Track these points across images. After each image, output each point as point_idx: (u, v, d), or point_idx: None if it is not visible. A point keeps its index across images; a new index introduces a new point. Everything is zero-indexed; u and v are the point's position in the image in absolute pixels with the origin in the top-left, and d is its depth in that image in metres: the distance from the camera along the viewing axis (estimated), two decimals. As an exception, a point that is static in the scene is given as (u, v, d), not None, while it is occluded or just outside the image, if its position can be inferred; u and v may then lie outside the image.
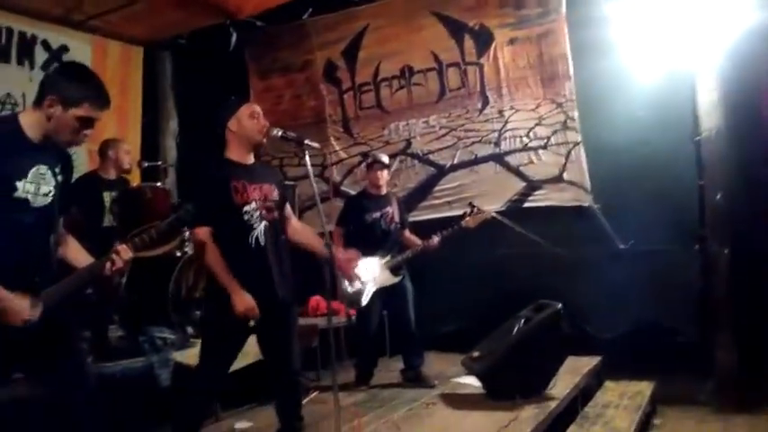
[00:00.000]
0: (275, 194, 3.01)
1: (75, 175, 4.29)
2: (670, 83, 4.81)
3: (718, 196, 4.62)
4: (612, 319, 5.00)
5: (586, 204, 5.16)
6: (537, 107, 5.52)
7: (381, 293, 4.50)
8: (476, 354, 4.16)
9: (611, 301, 4.92)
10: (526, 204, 5.49)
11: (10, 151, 2.19)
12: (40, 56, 5.62)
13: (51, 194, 2.30)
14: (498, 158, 5.68)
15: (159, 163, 5.37)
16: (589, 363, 4.71)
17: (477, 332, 4.43)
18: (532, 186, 5.50)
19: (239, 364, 3.64)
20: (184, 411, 2.94)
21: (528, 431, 3.27)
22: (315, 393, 4.25)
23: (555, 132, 5.40)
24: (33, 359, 2.30)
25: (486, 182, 5.69)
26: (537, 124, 5.52)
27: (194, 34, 6.50)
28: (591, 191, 5.17)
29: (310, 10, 6.42)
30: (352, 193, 5.91)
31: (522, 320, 4.08)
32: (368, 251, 4.47)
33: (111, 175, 4.35)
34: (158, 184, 4.57)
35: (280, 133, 2.98)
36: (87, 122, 2.28)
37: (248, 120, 2.95)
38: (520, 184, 5.55)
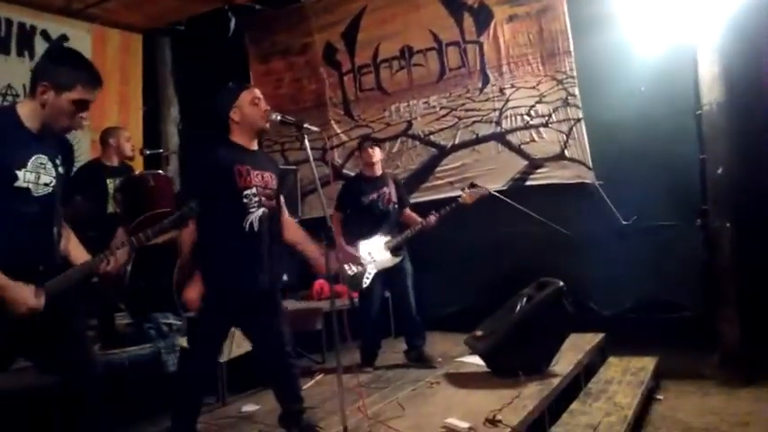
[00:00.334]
0: (274, 183, 3.03)
1: (78, 164, 4.39)
2: (671, 57, 4.78)
3: (720, 170, 4.60)
4: (616, 296, 5.02)
5: (588, 181, 5.15)
6: (537, 84, 5.49)
7: (382, 275, 4.53)
8: (479, 333, 4.19)
9: (615, 278, 4.93)
10: (528, 183, 5.48)
11: (9, 141, 2.21)
12: (40, 46, 5.63)
13: (52, 185, 2.32)
14: (500, 137, 5.67)
15: (161, 150, 5.41)
16: (592, 339, 4.74)
17: (480, 312, 4.45)
18: (534, 164, 5.48)
19: (245, 347, 3.70)
20: (180, 395, 2.97)
21: (531, 407, 3.30)
22: (320, 376, 4.31)
23: (556, 109, 5.38)
24: (40, 348, 2.34)
25: (488, 161, 5.68)
26: (538, 102, 5.50)
27: (193, 20, 6.48)
28: (593, 167, 5.15)
29: (308, -8, 6.40)
30: (353, 175, 5.94)
31: (525, 299, 4.11)
32: (367, 233, 4.51)
33: (114, 162, 4.36)
34: (160, 171, 4.59)
35: (279, 117, 2.98)
36: (82, 105, 2.29)
37: (250, 107, 2.94)
38: (522, 163, 5.54)
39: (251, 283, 2.89)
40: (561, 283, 3.99)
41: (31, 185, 2.24)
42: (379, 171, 4.71)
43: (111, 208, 4.17)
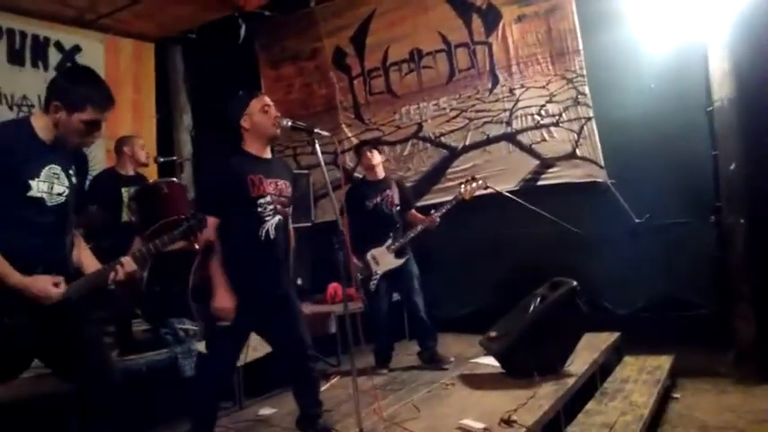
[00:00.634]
0: (289, 191, 3.06)
1: (93, 173, 4.44)
2: (681, 54, 4.76)
3: (733, 166, 4.57)
4: (630, 295, 4.99)
5: (600, 180, 5.13)
6: (547, 84, 5.48)
7: (388, 277, 4.55)
8: (493, 333, 4.20)
9: (628, 277, 4.92)
10: (540, 182, 5.47)
11: (22, 152, 2.25)
12: (54, 57, 5.71)
13: (65, 195, 2.36)
14: (510, 138, 5.66)
15: (175, 158, 5.45)
16: (608, 339, 4.73)
17: (494, 312, 4.46)
18: (546, 164, 5.47)
19: (262, 351, 3.74)
20: (198, 399, 3.01)
21: (546, 407, 3.30)
22: (336, 378, 4.33)
23: (566, 109, 5.36)
24: (56, 354, 2.39)
25: (499, 161, 5.68)
26: (548, 101, 5.49)
27: (204, 28, 6.54)
28: (604, 166, 5.13)
29: (317, -3, 6.43)
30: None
31: (538, 299, 4.11)
32: (374, 237, 4.52)
33: (129, 170, 4.41)
34: (174, 179, 4.64)
35: (290, 123, 3.00)
36: (93, 125, 2.33)
37: (260, 114, 2.96)
38: (533, 163, 5.53)
39: (269, 290, 2.92)
40: (575, 283, 3.99)
41: (44, 195, 2.29)
42: (381, 174, 4.73)
43: (125, 217, 4.22)
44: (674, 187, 4.69)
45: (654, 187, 4.74)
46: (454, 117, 5.97)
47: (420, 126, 6.14)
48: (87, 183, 3.87)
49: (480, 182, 4.68)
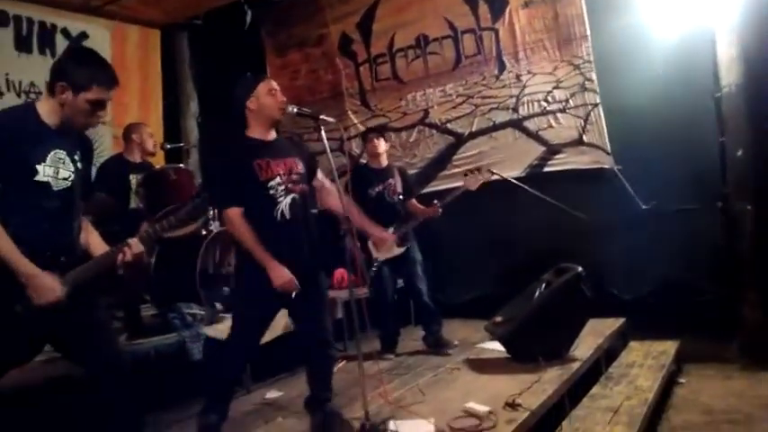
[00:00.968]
0: (300, 167, 3.03)
1: (102, 160, 4.48)
2: (688, 39, 4.72)
3: (740, 152, 4.55)
4: (637, 281, 4.99)
5: (607, 166, 5.12)
6: (554, 70, 5.46)
7: (391, 264, 4.57)
8: (498, 319, 4.23)
9: (635, 263, 4.92)
10: (546, 169, 5.47)
11: (27, 137, 2.27)
12: (61, 44, 5.73)
13: (71, 179, 2.38)
14: (517, 124, 5.65)
15: (182, 144, 5.49)
16: (613, 324, 4.74)
17: (499, 298, 4.48)
18: (552, 150, 5.46)
19: (269, 336, 3.77)
20: (218, 379, 3.03)
21: (551, 391, 3.33)
22: (342, 363, 4.36)
23: (573, 95, 5.34)
24: (66, 339, 2.42)
25: (506, 148, 5.67)
26: (555, 87, 5.46)
27: (210, 14, 6.55)
28: (611, 152, 5.12)
29: (323, -17, 6.42)
30: (372, 165, 5.97)
31: (544, 284, 4.13)
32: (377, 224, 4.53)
33: (137, 157, 4.44)
34: (181, 165, 4.67)
35: (295, 110, 3.00)
36: (99, 104, 2.34)
37: (266, 97, 2.97)
38: (539, 149, 5.52)
39: (295, 269, 2.89)
40: (580, 269, 4.00)
41: (50, 179, 2.30)
42: (384, 162, 4.75)
43: (133, 203, 4.26)
44: (681, 173, 4.67)
45: (661, 173, 4.72)
46: (460, 103, 5.96)
47: (426, 112, 6.14)
48: (95, 169, 3.92)
49: (486, 172, 4.68)
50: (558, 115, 5.43)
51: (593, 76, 5.21)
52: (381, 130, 4.92)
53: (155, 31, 6.58)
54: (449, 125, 6.01)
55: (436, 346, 4.59)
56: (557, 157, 5.44)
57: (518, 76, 5.65)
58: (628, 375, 4.01)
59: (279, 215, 2.90)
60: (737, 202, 4.60)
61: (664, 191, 4.81)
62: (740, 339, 4.55)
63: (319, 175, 3.21)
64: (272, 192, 2.90)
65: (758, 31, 4.45)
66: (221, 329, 3.93)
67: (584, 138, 5.28)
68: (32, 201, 2.28)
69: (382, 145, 4.72)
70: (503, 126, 5.71)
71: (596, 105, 5.21)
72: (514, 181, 5.11)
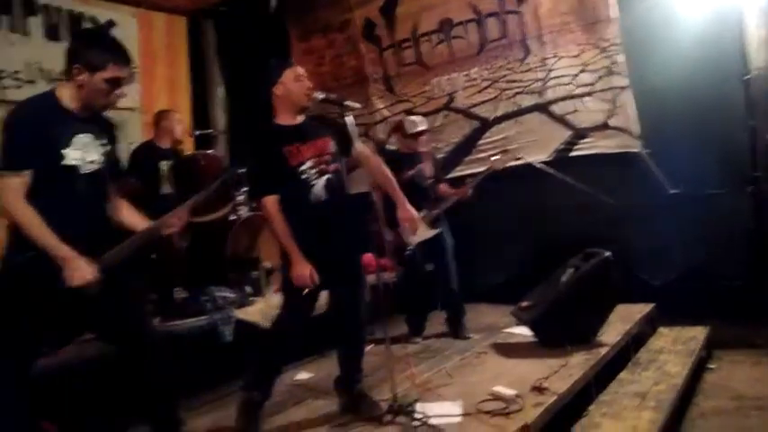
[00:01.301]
0: (331, 147, 3.04)
1: (133, 146, 4.56)
2: (717, 20, 4.62)
3: (770, 136, 4.48)
4: (665, 266, 4.94)
5: (635, 150, 5.07)
6: (580, 53, 5.38)
7: (422, 247, 4.57)
8: (525, 303, 4.23)
9: (664, 248, 4.87)
10: (573, 153, 5.41)
11: (52, 122, 2.33)
12: (90, 32, 5.80)
13: (98, 162, 2.44)
14: (543, 108, 5.60)
15: (210, 131, 5.54)
16: (642, 310, 4.71)
17: (527, 283, 4.48)
18: (579, 134, 5.41)
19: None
20: (264, 360, 3.07)
21: (578, 376, 3.33)
22: (370, 346, 4.40)
23: (600, 78, 5.27)
24: (101, 319, 2.48)
25: (531, 132, 5.63)
26: (581, 71, 5.40)
27: (235, 0, 6.56)
28: (639, 136, 5.07)
29: (347, -32, 6.40)
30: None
31: (571, 269, 4.11)
32: None
33: (166, 144, 4.51)
34: (210, 151, 4.73)
35: (321, 96, 3.02)
36: (115, 83, 2.40)
37: (293, 83, 2.98)
38: (566, 133, 5.47)
39: (330, 252, 2.92)
40: (608, 254, 3.98)
41: (78, 163, 2.36)
42: (419, 147, 4.74)
43: (164, 189, 4.33)
44: (710, 157, 4.60)
45: (689, 157, 4.65)
46: (485, 88, 5.92)
47: (451, 97, 6.11)
48: (126, 156, 3.99)
49: (512, 154, 4.66)
50: (585, 99, 5.37)
51: (621, 59, 5.14)
52: (427, 130, 4.80)
53: (181, 17, 6.62)
54: (474, 110, 5.98)
55: (455, 332, 4.61)
56: (583, 141, 5.39)
57: (543, 60, 5.59)
58: (656, 361, 4.00)
59: (314, 198, 2.92)
60: (767, 186, 4.52)
61: (692, 175, 4.74)
62: (770, 324, 4.51)
63: (359, 145, 3.17)
64: (304, 176, 2.91)
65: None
66: (251, 312, 4.01)
67: (611, 121, 5.22)
68: (62, 185, 2.34)
69: (423, 141, 4.71)
70: (528, 110, 5.66)
71: (624, 88, 5.14)
72: (540, 166, 5.07)
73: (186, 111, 6.42)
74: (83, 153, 2.38)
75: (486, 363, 3.83)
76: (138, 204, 2.75)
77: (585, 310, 3.91)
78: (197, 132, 5.09)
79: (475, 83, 5.98)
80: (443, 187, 4.76)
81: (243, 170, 3.36)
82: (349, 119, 3.02)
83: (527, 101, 5.67)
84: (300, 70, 3.06)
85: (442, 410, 2.94)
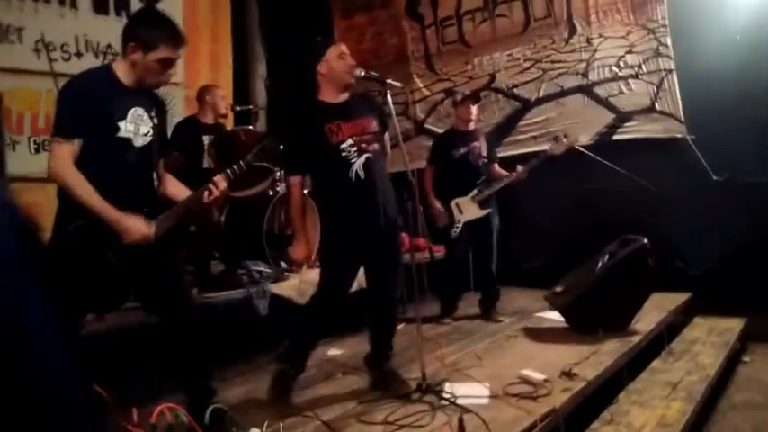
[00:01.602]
0: (373, 126, 3.05)
1: (176, 121, 4.65)
2: (767, 3, 4.46)
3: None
4: (705, 255, 4.86)
5: (679, 135, 4.96)
6: (627, 34, 5.28)
7: (468, 227, 4.58)
8: (559, 289, 4.21)
9: (704, 236, 4.78)
10: (615, 137, 5.33)
11: (109, 95, 2.41)
12: (136, 6, 5.88)
13: (150, 135, 2.52)
14: (586, 90, 5.51)
15: (250, 107, 5.60)
16: (677, 299, 4.65)
17: (561, 268, 4.46)
18: (622, 118, 5.32)
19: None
20: (300, 335, 3.14)
21: (608, 363, 3.32)
22: (401, 325, 4.45)
23: (646, 60, 5.16)
24: (147, 287, 2.57)
25: (573, 114, 5.55)
26: (627, 52, 5.29)
27: (278, -24, 6.58)
28: (684, 121, 4.95)
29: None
30: (436, 130, 5.96)
31: (607, 255, 4.07)
32: (459, 186, 4.55)
33: (209, 119, 4.58)
34: (251, 127, 4.80)
35: (363, 73, 3.03)
36: (167, 63, 2.47)
37: (336, 61, 3.00)
38: (609, 116, 5.38)
39: (368, 230, 2.97)
40: (645, 241, 3.93)
41: (131, 135, 2.45)
42: (472, 126, 4.71)
43: (205, 163, 4.42)
44: (756, 145, 4.47)
45: (735, 144, 4.54)
46: (528, 68, 5.85)
47: (493, 77, 6.05)
48: (169, 129, 4.08)
49: (572, 140, 4.58)
50: (630, 81, 5.27)
51: (668, 41, 5.01)
52: (476, 98, 4.77)
53: (225, -7, 6.66)
54: (515, 90, 5.92)
55: (487, 314, 4.63)
56: (627, 124, 5.30)
57: (589, 40, 5.49)
58: (690, 351, 3.95)
59: (354, 176, 2.94)
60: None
61: (737, 162, 4.63)
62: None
63: (386, 137, 3.22)
64: (344, 154, 2.93)
65: None
66: (286, 288, 4.09)
67: (657, 105, 5.12)
68: (115, 156, 2.43)
69: (474, 112, 4.67)
70: (571, 92, 5.58)
71: (670, 72, 5.02)
72: (592, 155, 4.98)
73: (228, 86, 6.49)
74: (136, 126, 2.46)
75: (516, 346, 3.84)
76: (180, 178, 2.83)
77: (619, 297, 3.87)
78: (238, 108, 5.15)
79: (517, 63, 5.91)
80: (496, 168, 4.73)
81: (281, 146, 3.41)
82: (389, 121, 3.05)
83: (570, 82, 5.58)
84: (344, 48, 3.07)
85: (469, 391, 2.97)
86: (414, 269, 3.06)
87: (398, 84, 3.17)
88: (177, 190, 2.70)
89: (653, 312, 4.20)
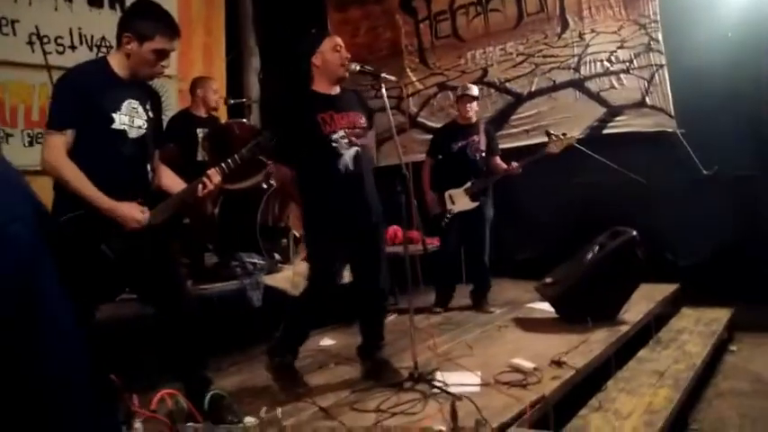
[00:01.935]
0: (363, 121, 3.10)
1: (169, 113, 4.65)
2: (759, 3, 4.52)
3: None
4: (693, 247, 4.93)
5: (669, 129, 5.01)
6: (619, 29, 5.33)
7: (460, 218, 4.63)
8: (549, 280, 4.27)
9: (692, 229, 4.85)
10: (606, 131, 5.39)
11: (103, 87, 2.44)
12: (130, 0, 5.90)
13: (145, 127, 2.54)
14: (578, 84, 5.56)
15: (244, 100, 5.61)
16: (666, 290, 4.72)
17: (552, 260, 4.52)
18: (613, 112, 5.37)
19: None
20: (293, 327, 3.17)
21: (597, 352, 3.38)
22: (393, 316, 4.50)
23: (638, 55, 5.22)
24: (142, 278, 2.60)
25: (565, 109, 5.60)
26: (619, 47, 5.34)
27: (272, -31, 6.58)
28: (675, 116, 5.00)
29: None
30: (429, 123, 6.00)
31: (597, 247, 4.13)
32: (454, 178, 4.61)
33: (202, 112, 4.59)
34: (244, 120, 4.82)
35: (357, 67, 3.07)
36: (162, 54, 2.49)
37: (331, 53, 3.03)
38: (600, 110, 5.44)
39: (355, 221, 3.01)
40: (634, 233, 3.98)
41: (126, 127, 2.47)
42: (473, 120, 4.74)
43: (199, 156, 4.44)
44: (745, 139, 4.55)
45: (724, 138, 4.60)
46: (521, 62, 5.89)
47: (485, 71, 6.09)
48: (164, 122, 4.09)
49: (571, 139, 4.61)
50: (622, 76, 5.32)
51: (660, 37, 5.06)
52: (474, 97, 4.75)
53: (219, -14, 6.66)
54: (508, 84, 5.96)
55: (478, 305, 4.69)
56: (618, 119, 5.35)
57: (581, 35, 5.54)
58: (677, 340, 4.02)
59: (343, 168, 2.98)
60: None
61: (727, 157, 4.69)
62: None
63: (371, 134, 3.28)
64: (335, 145, 2.97)
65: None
66: (280, 279, 4.13)
67: (647, 100, 5.17)
68: (110, 148, 2.45)
69: (473, 108, 4.72)
70: (563, 86, 5.64)
71: (661, 67, 5.08)
72: (583, 149, 5.02)
73: (221, 79, 6.50)
74: (130, 118, 2.49)
75: (507, 336, 3.89)
76: (176, 170, 2.85)
77: (608, 288, 3.93)
78: (231, 101, 5.17)
79: (510, 57, 5.95)
80: (497, 161, 4.75)
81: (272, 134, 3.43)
82: (384, 114, 3.09)
83: (562, 76, 5.63)
84: (338, 40, 3.10)
85: (461, 380, 3.01)
86: (407, 261, 3.06)
87: (393, 77, 3.21)
88: (172, 182, 2.72)
89: (641, 303, 4.26)
